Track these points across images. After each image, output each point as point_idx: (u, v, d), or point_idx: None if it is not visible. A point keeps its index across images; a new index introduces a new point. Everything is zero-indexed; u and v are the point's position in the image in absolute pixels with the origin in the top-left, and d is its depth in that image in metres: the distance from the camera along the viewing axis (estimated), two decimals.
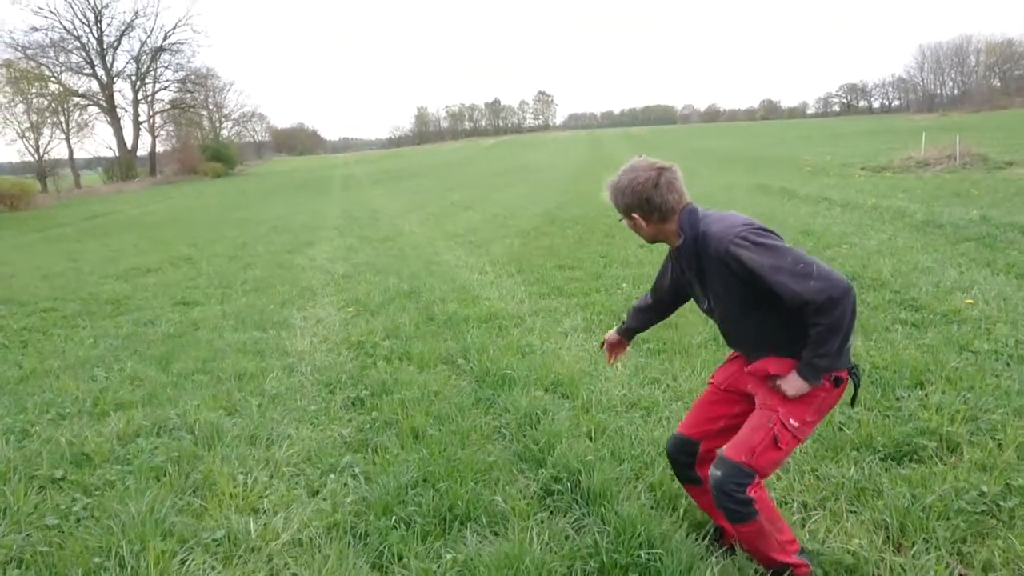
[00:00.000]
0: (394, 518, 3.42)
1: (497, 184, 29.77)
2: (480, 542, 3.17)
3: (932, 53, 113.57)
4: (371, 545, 3.26)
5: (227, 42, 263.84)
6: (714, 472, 2.66)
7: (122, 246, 18.06)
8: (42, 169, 53.12)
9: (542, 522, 3.34)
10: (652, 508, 3.40)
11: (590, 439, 4.21)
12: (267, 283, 10.85)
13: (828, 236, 10.81)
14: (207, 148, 65.11)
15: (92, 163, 66.82)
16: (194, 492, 3.91)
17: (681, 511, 3.36)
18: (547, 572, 2.86)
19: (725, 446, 2.74)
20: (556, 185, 26.34)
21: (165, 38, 62.60)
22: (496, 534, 3.27)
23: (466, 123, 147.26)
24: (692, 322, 6.41)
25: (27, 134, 53.08)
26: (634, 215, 2.73)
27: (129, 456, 4.44)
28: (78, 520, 3.64)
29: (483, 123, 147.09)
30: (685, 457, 3.02)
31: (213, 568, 3.13)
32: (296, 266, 12.52)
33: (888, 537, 3.10)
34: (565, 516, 3.42)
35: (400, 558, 3.09)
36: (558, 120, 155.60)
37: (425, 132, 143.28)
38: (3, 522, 3.68)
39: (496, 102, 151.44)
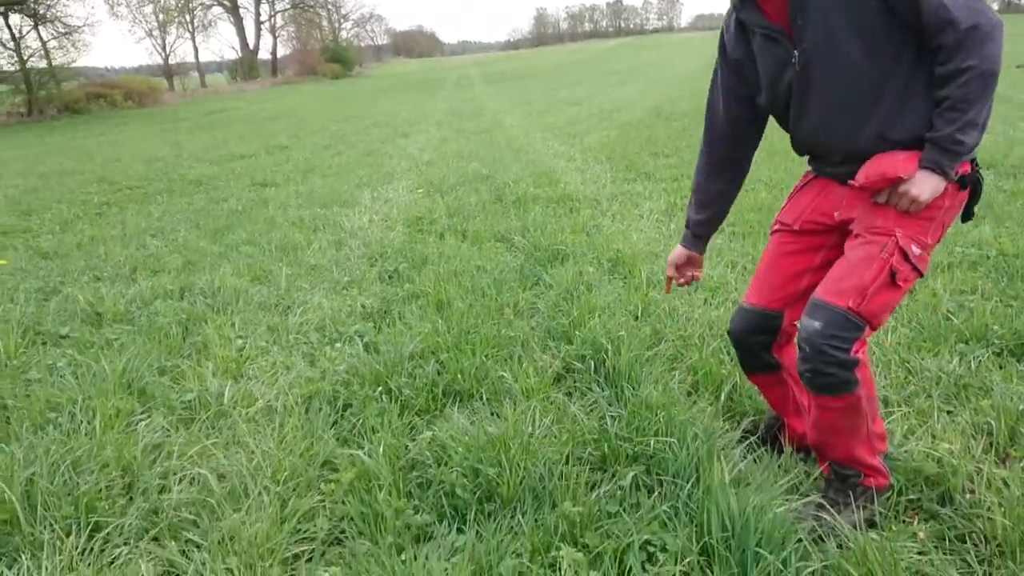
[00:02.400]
0: (380, 389, 2.93)
1: (610, 83, 28.39)
2: (470, 421, 2.63)
3: None
4: (347, 417, 2.79)
5: None
6: (808, 324, 1.88)
7: (227, 137, 18.21)
8: (168, 69, 54.87)
9: (550, 403, 2.78)
10: (686, 394, 2.77)
11: (635, 318, 3.58)
12: (350, 168, 10.52)
13: None
14: (326, 50, 65.42)
15: (222, 66, 68.66)
16: (188, 355, 3.56)
17: (722, 397, 2.71)
18: (534, 459, 2.30)
19: (819, 289, 1.95)
20: (671, 83, 24.82)
21: None
22: (495, 415, 2.73)
23: (586, 24, 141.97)
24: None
25: (154, 33, 54.73)
26: None
27: (141, 318, 4.14)
28: (60, 376, 3.35)
29: (604, 24, 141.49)
30: (761, 336, 2.20)
31: (165, 430, 2.75)
32: (384, 154, 12.14)
33: (991, 444, 2.36)
34: (583, 398, 2.84)
35: (374, 432, 2.60)
36: (683, 22, 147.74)
37: (544, 34, 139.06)
38: None
39: (618, 2, 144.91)
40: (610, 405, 2.70)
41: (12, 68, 34.40)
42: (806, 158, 2.19)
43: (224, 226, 6.78)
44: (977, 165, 1.93)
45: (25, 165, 14.64)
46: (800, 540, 1.87)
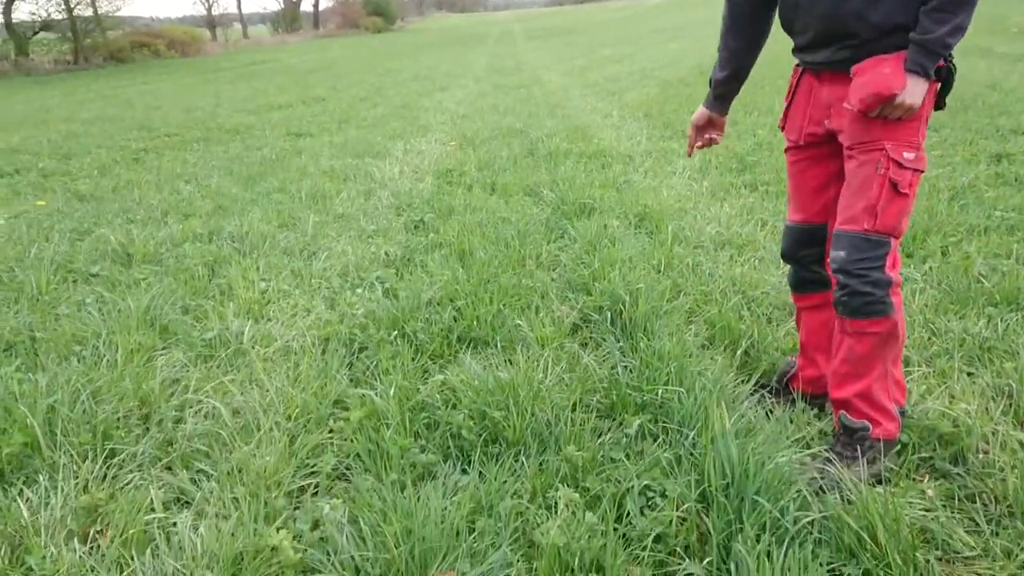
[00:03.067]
0: (396, 333, 2.94)
1: (655, 40, 27.86)
2: (482, 367, 2.64)
3: None
4: (362, 359, 2.81)
5: None
6: (836, 255, 1.98)
7: (266, 88, 18.27)
8: (212, 20, 55.09)
9: (563, 352, 2.77)
10: (701, 347, 2.74)
11: (657, 272, 3.54)
12: (385, 121, 10.50)
13: (1020, 90, 9.11)
14: (368, 3, 64.91)
15: (265, 18, 68.74)
16: (211, 296, 3.61)
17: (738, 353, 2.68)
18: (542, 405, 2.30)
19: (836, 221, 2.03)
20: (716, 42, 24.25)
21: None
22: (509, 362, 2.73)
23: None
24: None
25: None
26: None
27: (169, 259, 4.21)
28: (88, 311, 3.42)
29: None
30: (811, 250, 2.26)
31: (184, 365, 2.80)
32: (420, 107, 12.09)
33: (1011, 407, 2.31)
34: (597, 349, 2.83)
35: (387, 373, 2.62)
36: None
37: None
38: (19, 307, 3.53)
39: None
40: (623, 355, 2.68)
41: (60, 16, 34.77)
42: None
43: (257, 174, 6.82)
44: (950, 55, 1.90)
45: (69, 111, 14.85)
46: (800, 491, 1.85)
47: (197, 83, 21.92)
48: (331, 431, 2.32)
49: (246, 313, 3.33)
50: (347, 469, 2.17)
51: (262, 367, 2.74)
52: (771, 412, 2.31)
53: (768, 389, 2.46)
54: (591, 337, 2.94)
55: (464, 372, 2.55)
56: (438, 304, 3.23)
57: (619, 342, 2.81)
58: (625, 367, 2.55)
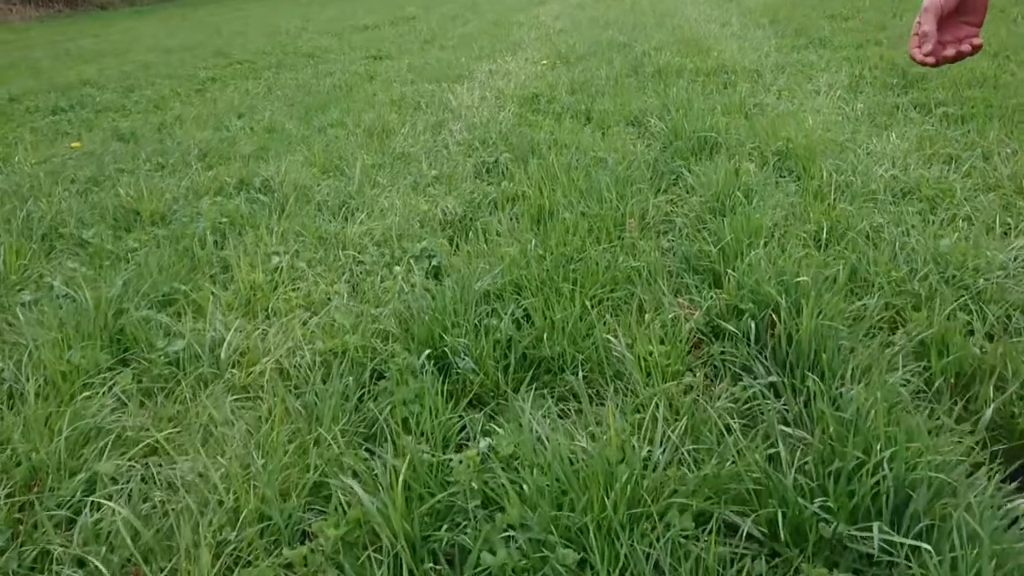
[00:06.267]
0: (429, 353, 1.98)
1: None
2: (549, 424, 1.65)
3: None
4: (372, 400, 1.87)
5: None
6: None
7: (355, 9, 17.36)
8: None
9: (683, 393, 1.74)
10: (921, 395, 1.66)
11: (816, 245, 2.43)
12: (473, 39, 9.41)
13: None
14: None
15: None
16: (210, 274, 2.74)
17: (984, 405, 1.58)
18: (647, 524, 1.31)
19: None
20: None
21: None
22: (598, 396, 1.74)
23: None
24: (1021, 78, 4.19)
25: None
26: None
27: (176, 220, 3.37)
28: (51, 300, 2.61)
29: None
30: None
31: (120, 405, 1.92)
32: (514, 23, 10.92)
33: None
34: (736, 385, 1.79)
35: (403, 430, 1.68)
36: None
37: None
38: None
39: None
40: (783, 405, 1.64)
41: None
42: None
43: (319, 104, 5.92)
44: None
45: (156, 40, 14.34)
46: None
47: (290, 7, 21.19)
48: (289, 565, 1.39)
49: (242, 306, 2.45)
50: None
51: (229, 409, 1.85)
52: None
53: None
54: (723, 363, 1.89)
55: (520, 435, 1.58)
56: (497, 298, 2.25)
57: (770, 375, 1.76)
58: (789, 440, 1.50)
